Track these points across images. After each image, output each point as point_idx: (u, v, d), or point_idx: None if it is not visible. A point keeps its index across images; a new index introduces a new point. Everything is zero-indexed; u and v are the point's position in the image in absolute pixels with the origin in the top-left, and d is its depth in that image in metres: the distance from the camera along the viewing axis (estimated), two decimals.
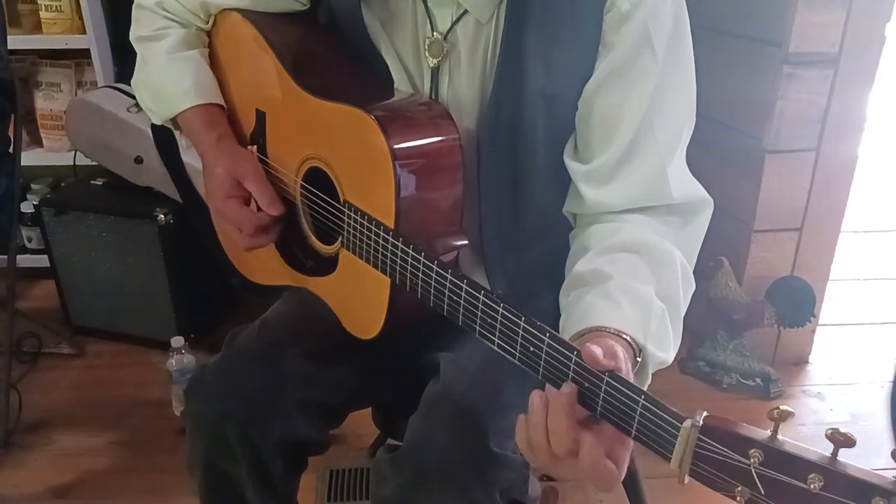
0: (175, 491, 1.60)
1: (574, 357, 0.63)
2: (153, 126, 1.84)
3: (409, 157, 0.83)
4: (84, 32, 2.17)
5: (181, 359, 1.78)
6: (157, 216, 1.93)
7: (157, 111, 1.06)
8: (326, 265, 0.97)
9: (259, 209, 0.96)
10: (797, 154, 1.88)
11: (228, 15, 1.05)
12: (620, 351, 0.64)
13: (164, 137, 1.81)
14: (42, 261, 2.21)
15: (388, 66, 0.95)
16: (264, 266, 1.09)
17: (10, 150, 1.80)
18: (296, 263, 1.04)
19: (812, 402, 1.98)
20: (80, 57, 2.25)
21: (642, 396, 0.60)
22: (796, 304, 1.95)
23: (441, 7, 0.89)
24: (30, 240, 2.39)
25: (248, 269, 1.15)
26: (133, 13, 1.09)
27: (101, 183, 2.10)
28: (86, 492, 1.65)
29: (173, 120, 1.06)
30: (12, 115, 1.75)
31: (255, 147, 1.04)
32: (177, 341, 1.79)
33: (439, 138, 0.87)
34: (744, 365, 1.99)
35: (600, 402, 0.62)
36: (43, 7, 2.17)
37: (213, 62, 1.09)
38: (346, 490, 1.59)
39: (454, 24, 0.89)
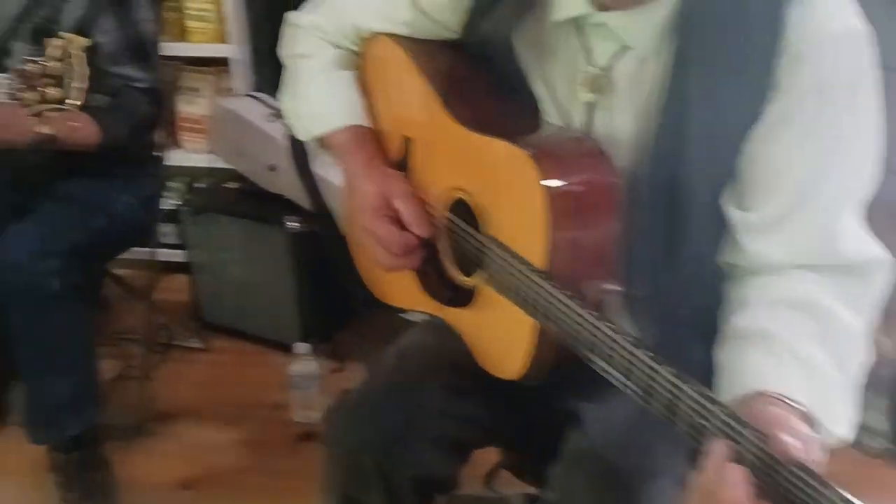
0: (292, 495, 1.63)
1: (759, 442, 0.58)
2: (290, 136, 1.91)
3: (563, 195, 0.80)
4: (227, 42, 2.26)
5: (305, 365, 1.81)
6: (287, 224, 1.99)
7: (306, 127, 1.07)
8: (463, 297, 0.95)
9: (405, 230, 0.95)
10: None
11: (378, 39, 1.05)
12: (814, 442, 0.59)
13: (299, 148, 1.87)
14: (174, 255, 2.31)
15: (538, 99, 0.92)
16: (400, 289, 1.09)
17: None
18: (432, 291, 1.03)
19: None
20: (220, 64, 2.34)
21: (828, 489, 0.54)
22: None
23: (601, 41, 0.86)
24: (164, 235, 2.52)
25: (381, 289, 1.15)
26: (287, 31, 1.10)
27: (234, 187, 2.19)
28: (209, 486, 1.72)
29: (320, 137, 1.07)
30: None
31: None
32: (300, 348, 1.83)
33: (596, 177, 0.84)
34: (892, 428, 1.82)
35: (782, 491, 0.57)
36: (189, 16, 2.27)
37: (361, 85, 1.09)
38: None
39: (614, 59, 0.85)
